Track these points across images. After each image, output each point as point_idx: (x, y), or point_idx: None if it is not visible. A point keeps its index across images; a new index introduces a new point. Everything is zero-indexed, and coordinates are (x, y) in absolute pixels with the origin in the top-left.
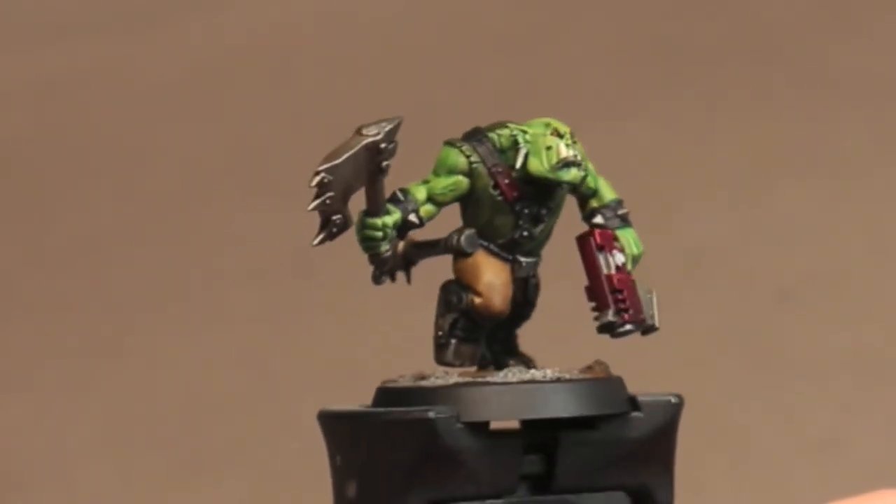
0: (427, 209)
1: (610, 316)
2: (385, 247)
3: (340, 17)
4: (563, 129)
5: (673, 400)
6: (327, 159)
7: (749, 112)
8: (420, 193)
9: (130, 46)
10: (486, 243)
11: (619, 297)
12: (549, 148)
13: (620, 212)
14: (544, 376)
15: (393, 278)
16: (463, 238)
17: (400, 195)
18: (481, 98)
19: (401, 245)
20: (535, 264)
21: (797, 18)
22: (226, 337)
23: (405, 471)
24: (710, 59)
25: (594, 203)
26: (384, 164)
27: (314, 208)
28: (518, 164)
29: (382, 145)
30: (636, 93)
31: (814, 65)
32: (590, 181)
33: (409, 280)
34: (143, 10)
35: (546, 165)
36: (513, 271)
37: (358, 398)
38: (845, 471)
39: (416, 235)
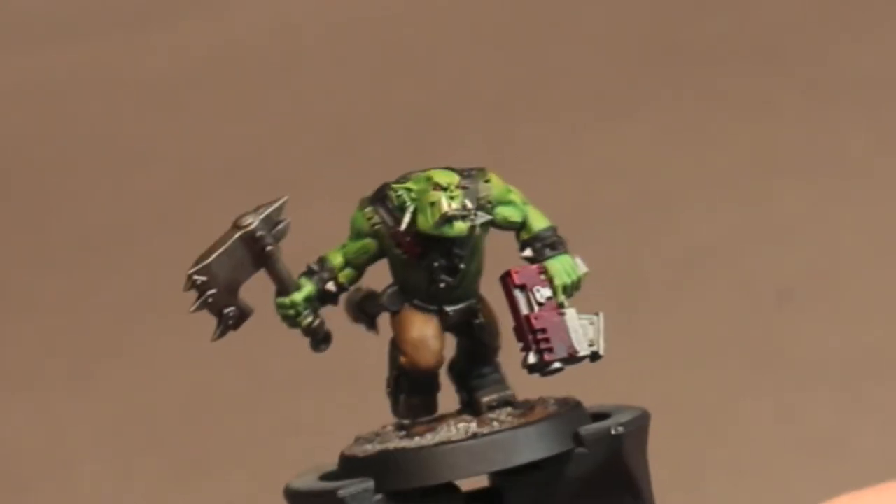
0: (346, 273)
1: (531, 359)
2: (306, 320)
3: (340, 16)
4: (447, 179)
5: (613, 431)
6: (199, 260)
7: (749, 112)
8: (337, 259)
9: (129, 47)
10: (411, 298)
11: (540, 336)
12: (432, 204)
13: (551, 240)
14: (476, 430)
15: (371, 326)
16: (385, 297)
17: (315, 266)
18: (481, 98)
19: (352, 298)
20: (469, 308)
21: (797, 19)
22: (226, 337)
23: None
24: (710, 59)
25: (524, 235)
26: (267, 248)
27: (195, 310)
28: (404, 225)
29: (259, 234)
30: (636, 93)
31: (813, 65)
32: (510, 215)
33: (375, 330)
34: (142, 10)
35: (430, 222)
36: (442, 321)
37: (358, 398)
38: (845, 471)
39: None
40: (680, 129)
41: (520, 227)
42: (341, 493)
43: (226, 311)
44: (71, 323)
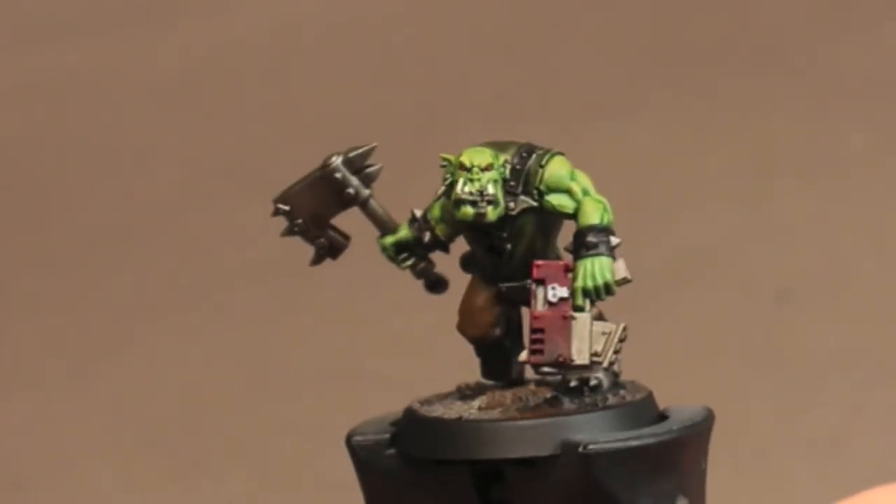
0: (441, 227)
1: (521, 356)
2: (404, 263)
3: (340, 17)
4: (473, 160)
5: (581, 449)
6: (285, 190)
7: (749, 112)
8: (435, 211)
9: (130, 47)
10: (476, 268)
11: (535, 336)
12: (456, 184)
13: (588, 238)
14: (475, 414)
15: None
16: (460, 259)
17: (416, 213)
18: (481, 98)
19: None
20: (524, 288)
21: (797, 18)
22: (226, 337)
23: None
24: (710, 59)
25: (576, 226)
26: (346, 191)
27: (282, 234)
28: (436, 197)
29: (337, 175)
30: (636, 93)
31: (814, 64)
32: (561, 205)
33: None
34: (142, 10)
35: (451, 201)
36: (499, 296)
37: (357, 398)
38: (845, 471)
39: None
40: (680, 129)
41: (571, 217)
42: (353, 440)
43: (316, 241)
44: (71, 323)
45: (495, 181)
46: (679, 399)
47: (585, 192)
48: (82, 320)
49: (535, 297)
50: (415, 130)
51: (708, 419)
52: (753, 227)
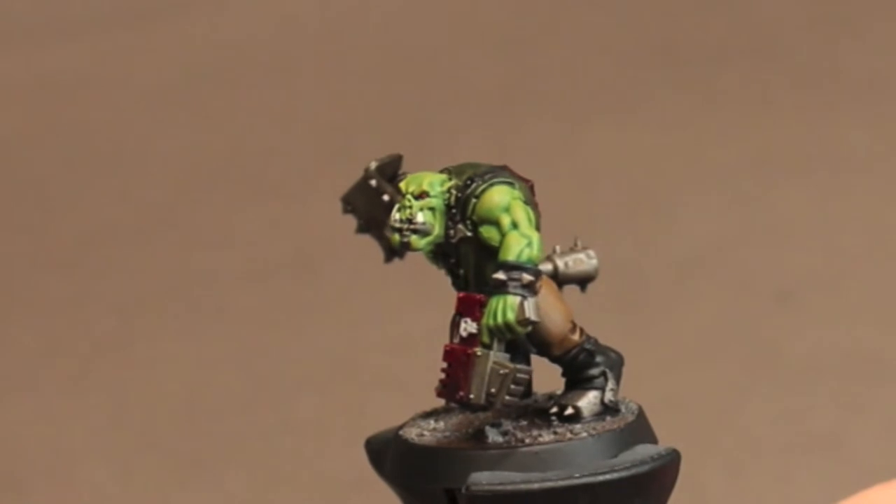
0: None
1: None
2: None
3: (340, 17)
4: (408, 186)
5: (463, 490)
6: (348, 189)
7: (749, 112)
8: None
9: (130, 46)
10: None
11: (445, 369)
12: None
13: (500, 276)
14: (422, 437)
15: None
16: None
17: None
18: (482, 98)
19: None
20: None
21: (797, 18)
22: (226, 337)
23: None
24: (710, 59)
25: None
26: (384, 197)
27: (356, 231)
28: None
29: (370, 180)
30: (636, 93)
31: (814, 65)
32: (490, 237)
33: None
34: (142, 10)
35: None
36: None
37: (357, 398)
38: (845, 471)
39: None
40: (680, 128)
41: (495, 249)
42: (368, 444)
43: (380, 240)
44: (71, 323)
45: (430, 209)
46: (676, 399)
47: (514, 226)
48: (82, 320)
49: (454, 328)
50: (415, 130)
51: (649, 463)
52: (753, 227)
